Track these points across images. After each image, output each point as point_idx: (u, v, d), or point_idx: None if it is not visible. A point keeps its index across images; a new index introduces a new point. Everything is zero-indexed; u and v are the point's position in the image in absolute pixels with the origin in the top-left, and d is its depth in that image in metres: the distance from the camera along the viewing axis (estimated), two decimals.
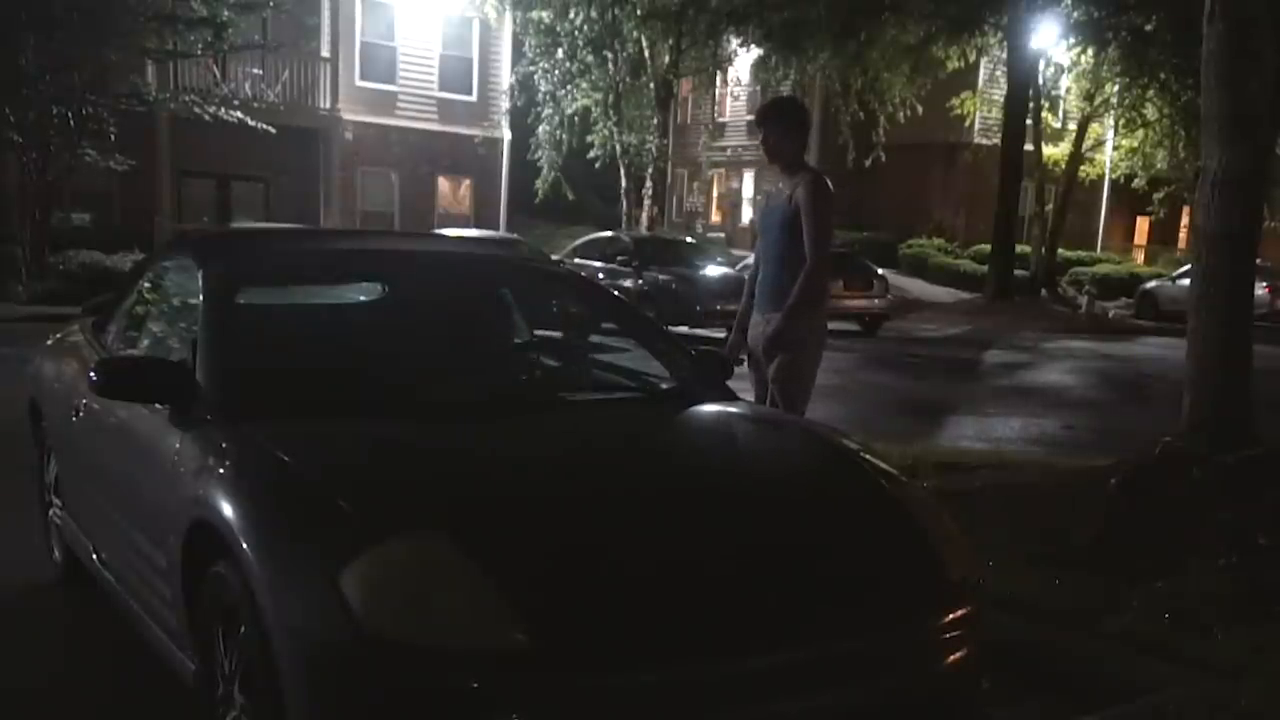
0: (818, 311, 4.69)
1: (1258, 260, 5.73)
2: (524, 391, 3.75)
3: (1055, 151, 26.51)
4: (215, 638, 2.59)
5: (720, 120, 33.10)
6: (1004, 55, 22.98)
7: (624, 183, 25.73)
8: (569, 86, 24.38)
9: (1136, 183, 26.29)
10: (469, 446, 2.94)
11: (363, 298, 4.12)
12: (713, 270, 17.10)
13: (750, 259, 5.36)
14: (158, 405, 3.06)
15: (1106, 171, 28.43)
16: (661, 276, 15.97)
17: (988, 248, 23.59)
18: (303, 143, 22.27)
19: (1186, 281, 6.37)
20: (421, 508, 2.45)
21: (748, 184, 34.08)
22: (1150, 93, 22.53)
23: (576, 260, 16.48)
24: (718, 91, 31.83)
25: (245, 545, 2.39)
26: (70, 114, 16.75)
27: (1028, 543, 4.55)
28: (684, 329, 14.57)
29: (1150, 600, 3.93)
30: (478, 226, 23.20)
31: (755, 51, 25.14)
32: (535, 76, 24.63)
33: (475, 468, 2.77)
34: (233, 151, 20.57)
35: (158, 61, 19.10)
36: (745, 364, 4.75)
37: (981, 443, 8.07)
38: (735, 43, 24.99)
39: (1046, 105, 25.72)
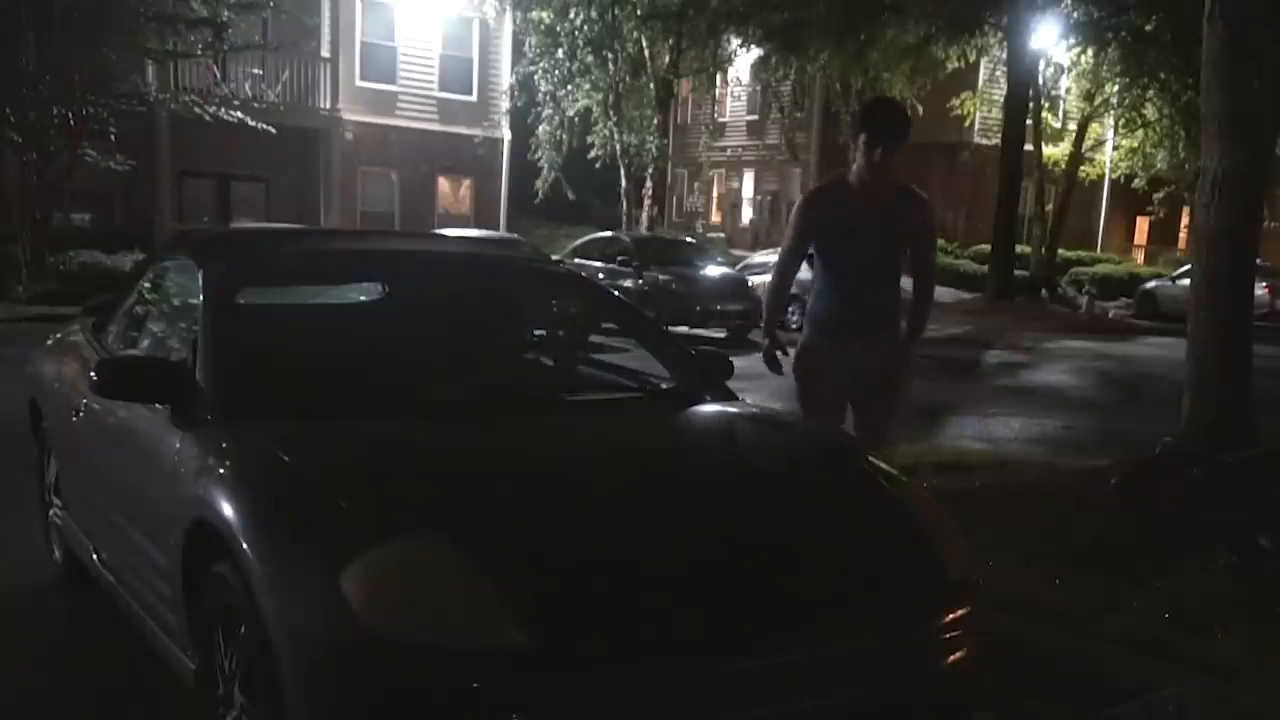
0: None
1: (1258, 260, 5.73)
2: (524, 391, 3.74)
3: (1055, 151, 26.51)
4: (215, 638, 2.59)
5: (720, 120, 33.12)
6: (1004, 55, 22.95)
7: (624, 183, 25.73)
8: (569, 86, 24.39)
9: (1136, 183, 26.31)
10: (469, 446, 2.94)
11: (363, 298, 4.12)
12: (713, 270, 17.09)
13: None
14: (158, 405, 3.06)
15: (1106, 171, 28.42)
16: (661, 276, 15.96)
17: (988, 248, 23.57)
18: (303, 143, 22.26)
19: (1186, 281, 6.37)
20: (421, 508, 2.45)
21: (748, 184, 34.10)
22: (1150, 93, 22.52)
23: (576, 260, 16.46)
24: (718, 91, 31.85)
25: (245, 545, 2.39)
26: (70, 114, 16.75)
27: (1028, 543, 4.55)
28: (684, 329, 14.57)
29: (1150, 600, 3.93)
30: (478, 226, 23.16)
31: (755, 51, 25.16)
32: (535, 76, 24.63)
33: (475, 468, 2.77)
34: (233, 151, 20.55)
35: (158, 61, 19.06)
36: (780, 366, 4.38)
37: (981, 443, 8.06)
38: (735, 43, 25.01)
39: (1046, 105, 25.72)
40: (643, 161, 25.43)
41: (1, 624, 4.05)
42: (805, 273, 4.44)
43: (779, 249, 4.68)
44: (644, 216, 25.56)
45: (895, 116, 4.13)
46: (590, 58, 24.11)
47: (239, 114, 18.65)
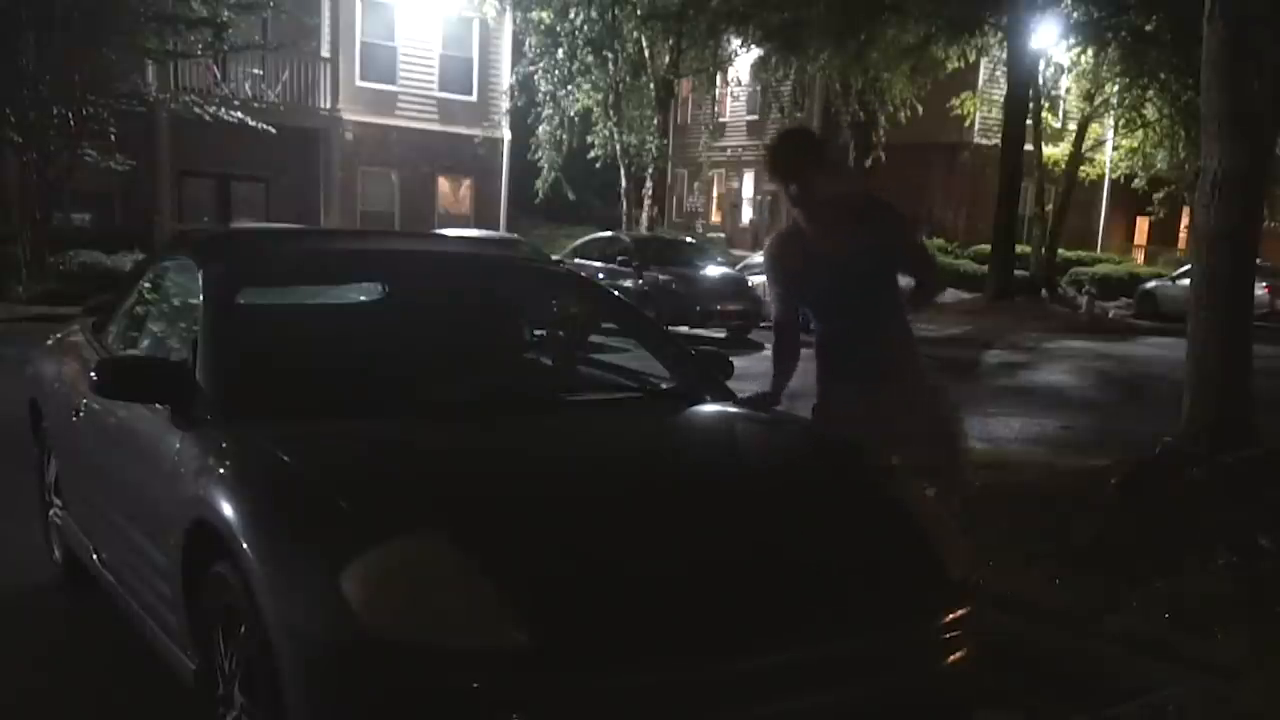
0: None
1: (1258, 260, 5.74)
2: (525, 391, 3.74)
3: (1055, 152, 26.50)
4: (215, 638, 2.59)
5: (720, 120, 33.09)
6: (1004, 55, 22.93)
7: (624, 183, 25.72)
8: (569, 86, 24.38)
9: (1136, 183, 26.28)
10: (469, 446, 2.94)
11: (363, 298, 4.12)
12: (713, 270, 17.10)
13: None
14: (158, 405, 3.06)
15: (1106, 171, 28.42)
16: (661, 276, 15.97)
17: (988, 248, 23.55)
18: (303, 143, 22.26)
19: (1186, 281, 6.37)
20: (421, 507, 2.45)
21: (748, 184, 34.11)
22: (1150, 93, 22.51)
23: (576, 260, 16.47)
24: (718, 91, 31.79)
25: (245, 545, 2.39)
26: (70, 114, 16.75)
27: (1028, 543, 4.55)
28: (684, 329, 14.57)
29: (1150, 600, 3.93)
30: (478, 226, 23.17)
31: (755, 51, 25.15)
32: (535, 76, 24.64)
33: (475, 468, 2.77)
34: (233, 151, 20.56)
35: (158, 61, 19.07)
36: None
37: (981, 443, 8.04)
38: (735, 43, 24.99)
39: (1046, 105, 25.69)
40: (643, 161, 25.43)
41: (1, 624, 4.06)
42: None
43: None
44: (644, 216, 25.55)
45: (784, 151, 3.75)
46: (590, 58, 24.10)
47: (239, 114, 18.66)
